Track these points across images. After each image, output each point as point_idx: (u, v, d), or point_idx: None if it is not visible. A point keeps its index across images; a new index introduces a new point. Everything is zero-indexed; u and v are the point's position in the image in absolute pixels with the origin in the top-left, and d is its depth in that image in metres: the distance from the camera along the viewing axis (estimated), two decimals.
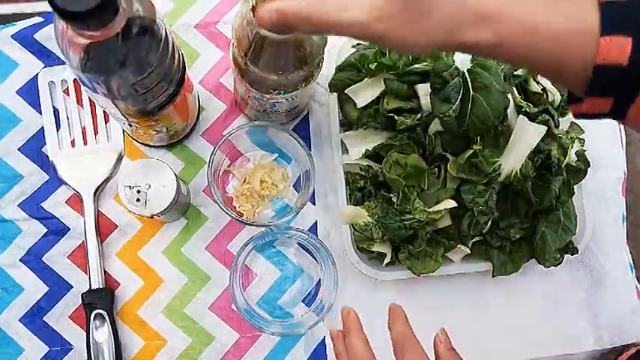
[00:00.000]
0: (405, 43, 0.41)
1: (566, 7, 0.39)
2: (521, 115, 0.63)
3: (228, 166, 0.70)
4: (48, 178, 0.69)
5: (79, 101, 0.70)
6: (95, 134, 0.70)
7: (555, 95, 0.67)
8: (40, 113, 0.70)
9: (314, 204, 0.71)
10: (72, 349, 0.67)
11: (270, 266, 0.70)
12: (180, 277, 0.69)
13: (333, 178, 0.69)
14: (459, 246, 0.66)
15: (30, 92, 0.70)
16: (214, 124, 0.71)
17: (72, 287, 0.68)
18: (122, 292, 0.68)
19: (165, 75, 0.52)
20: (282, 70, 0.54)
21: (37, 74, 0.70)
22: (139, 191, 0.60)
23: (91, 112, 0.70)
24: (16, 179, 0.69)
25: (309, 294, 0.70)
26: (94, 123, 0.70)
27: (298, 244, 0.70)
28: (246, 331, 0.68)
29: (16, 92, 0.70)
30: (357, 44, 0.68)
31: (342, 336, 0.53)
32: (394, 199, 0.62)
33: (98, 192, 0.69)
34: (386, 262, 0.66)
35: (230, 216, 0.63)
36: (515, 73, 0.66)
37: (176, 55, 0.53)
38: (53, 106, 0.70)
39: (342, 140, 0.67)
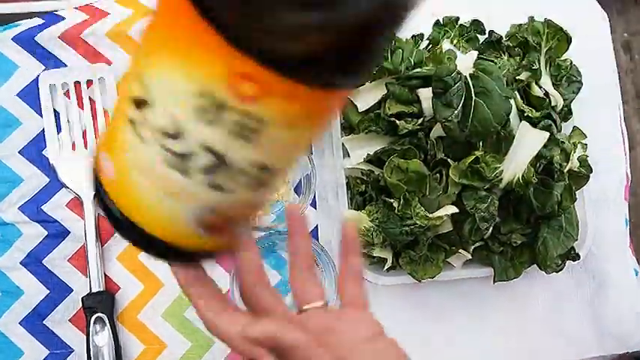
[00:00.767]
0: None
1: None
2: (523, 121, 0.63)
3: None
4: (48, 181, 0.69)
5: (80, 104, 0.70)
6: (96, 137, 0.70)
7: (558, 100, 0.66)
8: (41, 116, 0.70)
9: (315, 208, 0.71)
10: (72, 352, 0.67)
11: (270, 270, 0.70)
12: None
13: (334, 183, 0.69)
14: (460, 251, 0.66)
15: (31, 95, 0.70)
16: None
17: (72, 290, 0.68)
18: (122, 295, 0.68)
19: None
20: None
21: (37, 77, 0.70)
22: None
23: (92, 115, 0.70)
24: (17, 182, 0.69)
25: None
26: (94, 126, 0.70)
27: None
28: None
29: (17, 95, 0.70)
30: None
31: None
32: (395, 205, 0.62)
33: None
34: (387, 267, 0.66)
35: None
36: (517, 77, 0.65)
37: None
38: (54, 109, 0.70)
39: (343, 144, 0.67)
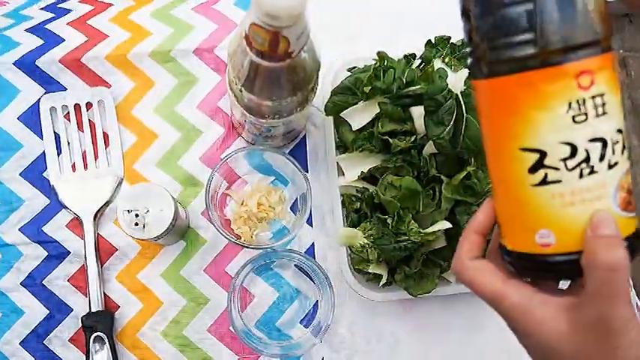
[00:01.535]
0: None
1: None
2: None
3: (226, 189, 0.71)
4: (49, 202, 0.70)
5: (80, 126, 0.71)
6: (95, 159, 0.71)
7: None
8: (42, 138, 0.71)
9: (311, 226, 0.71)
10: None
11: (267, 288, 0.70)
12: (178, 300, 0.69)
13: (329, 200, 0.70)
14: None
15: (31, 118, 0.71)
16: (212, 148, 0.72)
17: (72, 310, 0.69)
18: (121, 314, 0.69)
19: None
20: (276, 97, 0.55)
21: (38, 100, 0.71)
22: (137, 215, 0.61)
23: (92, 137, 0.71)
24: (18, 204, 0.70)
25: (306, 315, 0.70)
26: (94, 148, 0.71)
27: (295, 265, 0.70)
28: (245, 353, 0.69)
29: (18, 118, 0.71)
30: (353, 67, 0.69)
31: None
32: (389, 221, 0.63)
33: (98, 216, 0.69)
34: (382, 283, 0.67)
35: (228, 239, 0.63)
36: None
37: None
38: (54, 132, 0.71)
39: (337, 163, 0.68)
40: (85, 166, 0.71)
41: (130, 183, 0.71)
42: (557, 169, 0.37)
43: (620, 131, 0.38)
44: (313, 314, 0.70)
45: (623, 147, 0.38)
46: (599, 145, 0.37)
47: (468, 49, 0.40)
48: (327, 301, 0.66)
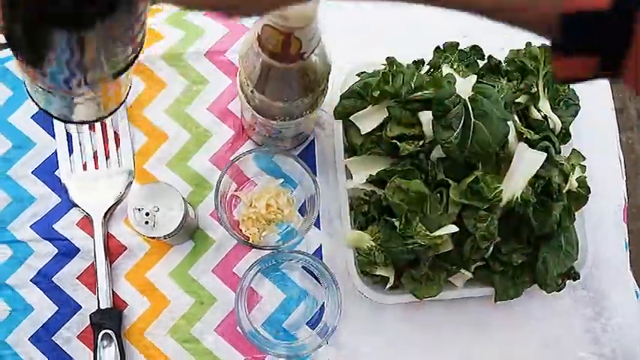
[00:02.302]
0: None
1: None
2: (521, 142, 0.64)
3: (235, 190, 0.71)
4: (60, 200, 0.71)
5: (92, 126, 0.72)
6: (106, 158, 0.72)
7: (556, 123, 0.68)
8: (54, 138, 0.72)
9: (319, 228, 0.72)
10: None
11: (275, 289, 0.71)
12: (186, 299, 0.70)
13: (337, 203, 0.70)
14: (461, 270, 0.67)
15: (44, 117, 0.72)
16: (222, 149, 0.73)
17: (81, 307, 0.69)
18: (129, 312, 0.70)
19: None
20: (287, 98, 0.56)
21: None
22: (147, 214, 0.61)
23: (103, 137, 0.72)
24: (30, 201, 0.71)
25: (313, 316, 0.71)
26: (105, 147, 0.72)
27: (303, 267, 0.71)
28: (252, 353, 0.69)
29: (31, 117, 0.72)
30: (362, 72, 0.70)
31: None
32: (397, 224, 0.63)
33: (108, 214, 0.70)
34: (389, 285, 0.67)
35: (236, 239, 0.64)
36: (516, 100, 0.67)
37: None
38: (66, 131, 0.72)
39: (346, 166, 0.69)
40: (96, 166, 0.72)
41: (141, 183, 0.72)
42: None
43: None
44: (320, 316, 0.70)
45: None
46: None
47: None
48: (334, 302, 0.66)
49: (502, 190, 0.63)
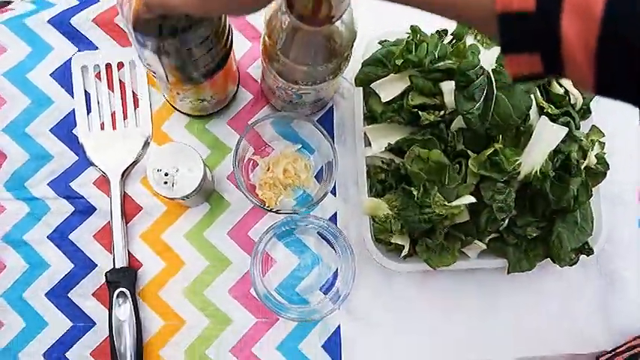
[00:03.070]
0: None
1: None
2: (542, 116, 0.64)
3: (253, 155, 0.71)
4: (77, 159, 0.71)
5: (110, 86, 0.72)
6: (124, 119, 0.72)
7: (577, 98, 0.68)
8: (72, 96, 0.72)
9: (335, 195, 0.72)
10: (94, 325, 0.69)
11: (289, 254, 0.71)
12: (201, 261, 0.71)
13: (354, 170, 0.70)
14: (475, 242, 0.67)
15: (63, 75, 0.72)
16: (241, 113, 0.73)
17: (96, 266, 0.70)
18: (144, 272, 0.70)
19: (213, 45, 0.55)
20: (311, 62, 0.56)
21: (70, 58, 0.72)
22: (166, 174, 0.61)
23: (122, 98, 0.72)
24: (47, 159, 0.71)
25: (326, 282, 0.71)
26: (123, 108, 0.72)
27: (318, 233, 0.71)
28: (264, 315, 0.70)
29: (50, 75, 0.72)
30: (384, 40, 0.69)
31: None
32: (415, 192, 0.63)
33: (125, 175, 0.70)
34: (404, 254, 0.67)
35: (253, 203, 0.64)
36: None
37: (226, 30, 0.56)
38: (85, 90, 0.72)
39: (365, 134, 0.69)
40: (114, 126, 0.72)
41: (158, 144, 0.72)
42: None
43: None
44: (333, 281, 0.71)
45: None
46: None
47: None
48: (348, 269, 0.67)
49: (521, 163, 0.63)
